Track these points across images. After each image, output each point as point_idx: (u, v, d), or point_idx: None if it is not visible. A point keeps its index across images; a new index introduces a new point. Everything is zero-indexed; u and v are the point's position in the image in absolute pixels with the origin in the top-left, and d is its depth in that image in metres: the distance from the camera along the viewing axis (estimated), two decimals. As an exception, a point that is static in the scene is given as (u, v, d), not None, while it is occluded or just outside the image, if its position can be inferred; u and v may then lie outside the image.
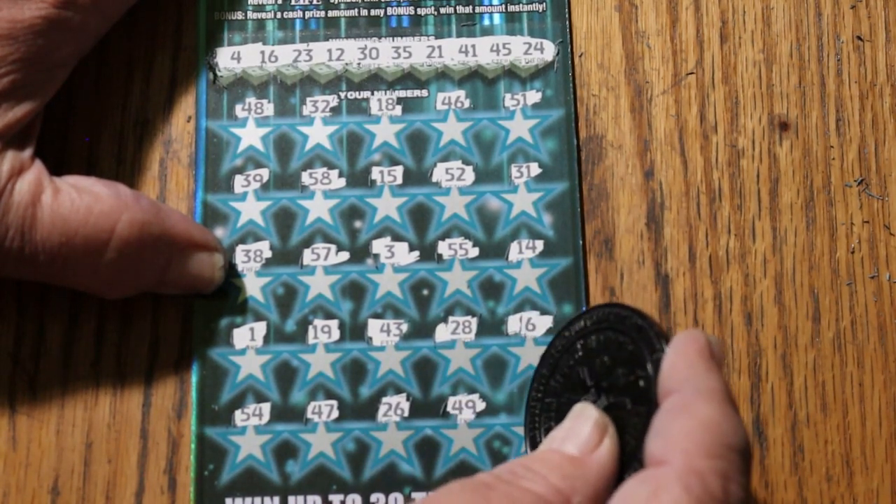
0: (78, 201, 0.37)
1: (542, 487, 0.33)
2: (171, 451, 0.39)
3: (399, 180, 0.41)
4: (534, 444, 0.37)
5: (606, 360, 0.36)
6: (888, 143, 0.42)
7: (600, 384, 0.35)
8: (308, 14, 0.43)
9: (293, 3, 0.43)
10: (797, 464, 0.40)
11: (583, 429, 0.35)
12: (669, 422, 0.33)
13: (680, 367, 0.33)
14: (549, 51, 0.42)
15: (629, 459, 0.34)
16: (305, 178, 0.41)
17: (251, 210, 0.41)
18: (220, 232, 0.41)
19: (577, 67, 0.43)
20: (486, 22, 0.43)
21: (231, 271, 0.41)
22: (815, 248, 0.41)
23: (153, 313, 0.40)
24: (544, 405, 0.37)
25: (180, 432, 0.40)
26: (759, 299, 0.41)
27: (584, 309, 0.40)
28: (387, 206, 0.41)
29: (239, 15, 0.43)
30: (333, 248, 0.41)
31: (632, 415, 0.34)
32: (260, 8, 0.43)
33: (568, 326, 0.37)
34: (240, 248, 0.41)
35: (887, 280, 0.41)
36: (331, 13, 0.43)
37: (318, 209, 0.41)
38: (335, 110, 0.42)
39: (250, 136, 0.42)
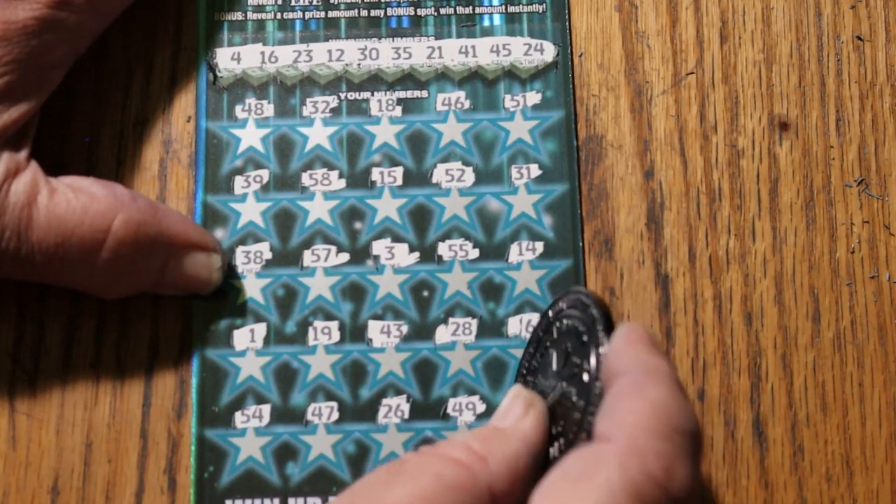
0: (74, 202, 0.37)
1: (457, 451, 0.33)
2: (171, 452, 0.39)
3: (399, 181, 0.41)
4: None
5: (569, 347, 0.36)
6: (888, 143, 0.42)
7: (562, 371, 0.36)
8: (308, 15, 0.43)
9: (293, 3, 0.43)
10: (797, 464, 0.40)
11: (512, 405, 0.36)
12: (618, 402, 0.33)
13: (627, 351, 0.34)
14: (549, 52, 0.42)
15: (565, 451, 0.34)
16: (305, 179, 0.41)
17: (251, 211, 0.41)
18: (219, 233, 0.41)
19: (577, 67, 0.43)
20: (486, 23, 0.43)
21: (231, 273, 0.41)
22: (815, 248, 0.41)
23: (153, 313, 0.40)
24: (526, 382, 0.37)
25: (180, 432, 0.40)
26: (759, 299, 0.41)
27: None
28: (387, 207, 0.41)
29: (239, 15, 0.43)
30: (333, 249, 0.41)
31: (573, 409, 0.34)
32: (260, 9, 0.43)
33: (550, 306, 0.37)
34: (240, 250, 0.41)
35: (887, 280, 0.41)
36: (331, 14, 0.43)
37: (318, 210, 0.41)
38: (335, 111, 0.42)
39: (250, 136, 0.42)
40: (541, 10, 0.43)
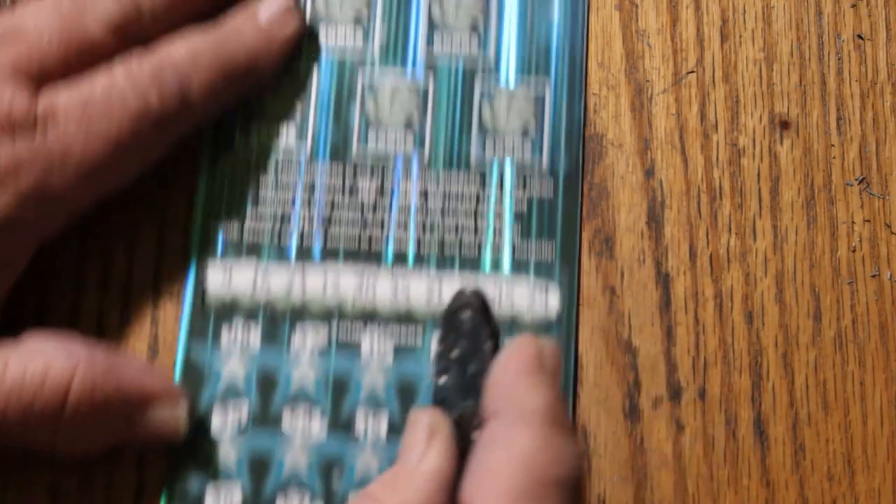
0: (31, 367, 0.35)
1: None
2: (171, 451, 0.39)
3: (383, 433, 0.38)
4: None
5: (467, 354, 0.35)
6: (889, 141, 0.42)
7: (466, 381, 0.35)
8: (306, 242, 0.40)
9: (291, 228, 0.40)
10: (798, 463, 0.40)
11: (416, 436, 0.34)
12: (482, 457, 0.32)
13: (501, 385, 0.32)
14: (553, 304, 0.40)
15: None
16: (286, 420, 0.39)
17: (226, 451, 0.39)
18: (193, 477, 0.39)
19: (577, 66, 0.43)
20: (491, 267, 0.40)
21: None
22: (816, 246, 0.41)
23: (153, 306, 0.40)
24: (438, 386, 0.36)
25: (180, 432, 0.39)
26: (760, 298, 0.41)
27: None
28: (368, 461, 0.38)
29: (235, 234, 0.40)
30: (307, 502, 0.38)
31: (476, 426, 0.34)
32: (256, 230, 0.40)
33: (451, 301, 0.37)
34: (210, 494, 0.38)
35: (888, 279, 0.41)
36: (330, 242, 0.40)
37: (295, 456, 0.38)
38: (324, 348, 0.39)
39: (233, 366, 0.39)
40: (549, 260, 0.40)
